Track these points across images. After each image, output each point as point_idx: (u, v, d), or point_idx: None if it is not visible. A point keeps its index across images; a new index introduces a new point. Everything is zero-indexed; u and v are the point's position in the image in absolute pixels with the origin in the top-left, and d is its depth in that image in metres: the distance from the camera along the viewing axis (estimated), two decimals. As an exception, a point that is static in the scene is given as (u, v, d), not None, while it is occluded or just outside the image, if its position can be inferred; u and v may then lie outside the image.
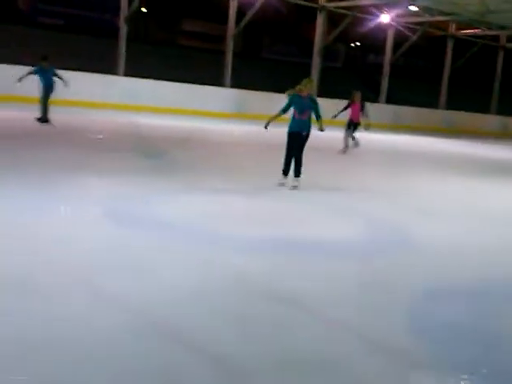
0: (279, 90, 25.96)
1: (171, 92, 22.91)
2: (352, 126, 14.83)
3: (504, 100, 34.19)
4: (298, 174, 8.98)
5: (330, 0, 27.22)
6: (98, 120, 16.98)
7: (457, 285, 5.06)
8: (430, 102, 31.69)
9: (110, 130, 14.89)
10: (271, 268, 5.01)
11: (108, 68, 22.78)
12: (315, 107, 8.99)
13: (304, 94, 8.93)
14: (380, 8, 28.04)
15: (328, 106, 27.09)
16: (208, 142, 15.11)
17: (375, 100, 29.85)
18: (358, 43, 46.61)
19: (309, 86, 9.07)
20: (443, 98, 31.98)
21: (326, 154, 14.19)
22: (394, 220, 7.51)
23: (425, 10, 27.71)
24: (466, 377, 3.41)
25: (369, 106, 15.33)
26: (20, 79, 13.58)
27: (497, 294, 4.97)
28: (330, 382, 3.18)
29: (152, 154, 11.62)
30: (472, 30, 31.36)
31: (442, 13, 27.94)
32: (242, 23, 25.57)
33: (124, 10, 23.07)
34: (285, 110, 9.01)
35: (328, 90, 28.77)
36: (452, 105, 31.61)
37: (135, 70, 23.10)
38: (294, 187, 8.85)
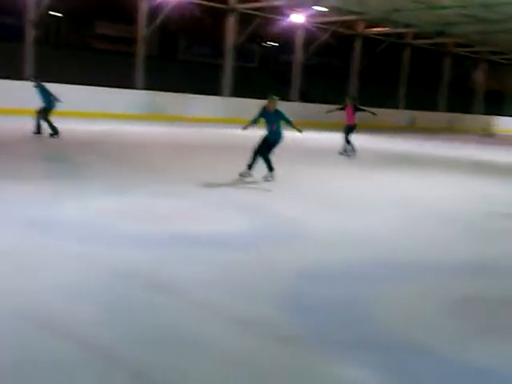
0: (195, 90, 26.32)
1: (84, 96, 22.65)
2: (348, 129, 15.60)
3: (411, 95, 35.61)
4: (269, 169, 10.44)
5: (241, 1, 27.65)
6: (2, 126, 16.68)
7: (336, 269, 5.41)
8: (342, 99, 32.59)
9: (17, 136, 14.68)
10: (158, 260, 5.21)
11: (16, 73, 22.30)
12: (281, 117, 10.38)
13: (270, 109, 10.39)
14: (292, 8, 28.69)
15: (242, 105, 27.71)
16: (120, 144, 15.11)
17: (288, 99, 30.48)
18: (272, 43, 47.30)
19: (270, 103, 10.39)
20: (353, 95, 32.94)
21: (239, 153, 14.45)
22: (290, 213, 7.84)
23: (334, 9, 28.55)
24: (334, 349, 3.72)
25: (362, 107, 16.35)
26: None
27: (374, 276, 5.34)
28: (202, 361, 3.40)
29: (62, 157, 11.59)
30: (379, 29, 32.53)
31: (350, 12, 28.87)
32: (153, 25, 25.61)
33: (30, 14, 22.67)
34: (254, 121, 10.54)
35: (244, 89, 29.20)
36: (362, 101, 32.61)
37: (47, 74, 22.69)
38: (268, 179, 10.32)
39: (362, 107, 15.97)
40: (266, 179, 10.32)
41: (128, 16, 29.41)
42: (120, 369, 3.25)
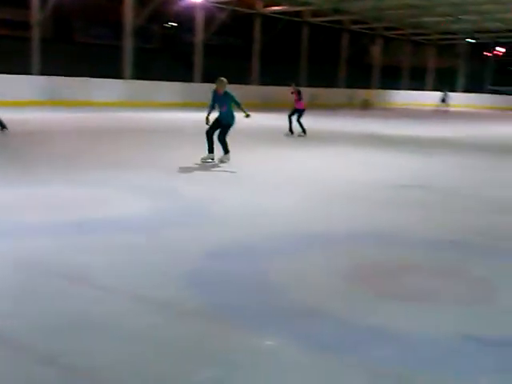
0: (95, 74, 25.72)
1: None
2: (295, 112, 16.53)
3: (312, 72, 36.32)
4: (225, 152, 10.73)
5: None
6: None
7: (241, 245, 5.60)
8: (245, 79, 32.87)
9: None
10: (65, 248, 5.21)
11: None
12: (231, 98, 10.60)
13: (220, 91, 10.62)
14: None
15: (145, 87, 27.38)
16: (18, 132, 14.62)
17: (191, 79, 30.40)
18: (173, 23, 46.79)
19: (219, 85, 10.62)
20: (255, 74, 33.31)
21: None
22: (201, 195, 7.96)
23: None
24: (242, 321, 3.89)
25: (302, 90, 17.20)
26: None
27: (277, 249, 5.57)
28: (112, 342, 3.48)
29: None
30: (277, 7, 32.90)
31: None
32: (47, 8, 24.77)
33: None
34: (211, 106, 10.75)
35: (146, 71, 28.83)
36: (264, 79, 33.03)
37: None
38: (223, 161, 10.62)
39: (301, 95, 16.72)
40: (221, 161, 10.62)
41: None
42: (31, 355, 3.29)
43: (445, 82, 43.33)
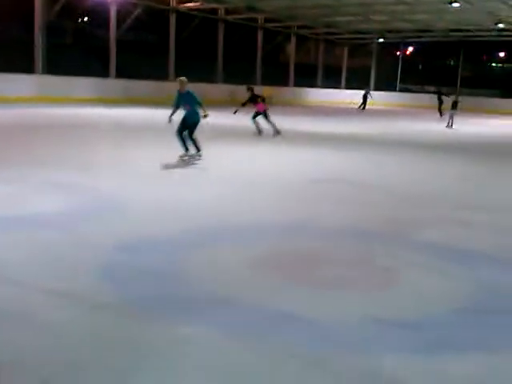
0: (5, 68, 24.86)
1: None
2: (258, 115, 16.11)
3: (229, 69, 36.54)
4: (198, 150, 10.86)
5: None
6: None
7: (153, 239, 5.67)
8: (160, 75, 32.68)
9: None
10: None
11: None
12: (193, 98, 10.70)
13: (182, 90, 10.75)
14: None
15: (57, 83, 26.71)
16: None
17: (106, 75, 29.94)
18: (86, 19, 45.79)
19: (180, 85, 10.75)
20: (171, 70, 33.16)
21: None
22: (113, 191, 7.94)
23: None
24: (154, 312, 3.97)
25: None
26: None
27: (190, 241, 5.67)
28: (25, 334, 3.50)
29: None
30: (192, 4, 32.88)
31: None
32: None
33: None
34: (176, 106, 10.84)
35: (59, 66, 28.11)
36: (180, 76, 32.92)
37: None
38: (196, 158, 10.76)
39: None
40: (194, 158, 10.73)
41: None
42: None
43: (357, 81, 44.61)
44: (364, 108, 36.13)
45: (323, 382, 3.17)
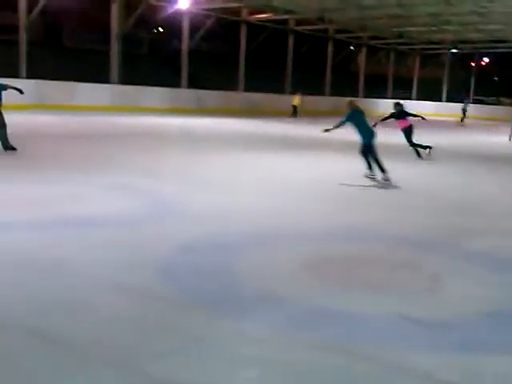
0: (81, 78, 26.05)
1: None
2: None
3: (297, 80, 36.86)
4: (382, 170, 10.09)
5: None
6: None
7: (209, 240, 6.00)
8: (231, 85, 33.35)
9: None
10: (49, 241, 5.59)
11: None
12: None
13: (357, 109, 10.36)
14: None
15: (130, 92, 27.67)
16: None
17: (178, 85, 30.79)
18: (161, 29, 47.23)
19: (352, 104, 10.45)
20: (241, 80, 33.78)
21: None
22: (171, 194, 8.35)
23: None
24: (211, 306, 4.29)
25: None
26: None
27: (244, 244, 5.98)
28: (96, 322, 3.88)
29: None
30: (262, 15, 33.42)
31: (231, -1, 29.62)
32: (35, 12, 25.11)
33: None
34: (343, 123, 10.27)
35: (134, 76, 29.18)
36: (249, 87, 33.51)
37: None
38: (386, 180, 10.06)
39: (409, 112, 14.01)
40: (384, 180, 10.07)
41: (7, 2, 28.58)
42: (16, 333, 3.66)
43: (428, 92, 43.99)
44: (462, 120, 34.17)
45: (356, 372, 3.39)
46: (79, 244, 5.56)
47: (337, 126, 10.30)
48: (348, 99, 10.82)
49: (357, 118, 10.23)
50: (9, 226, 6.05)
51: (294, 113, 29.99)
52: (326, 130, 10.48)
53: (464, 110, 34.52)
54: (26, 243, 5.48)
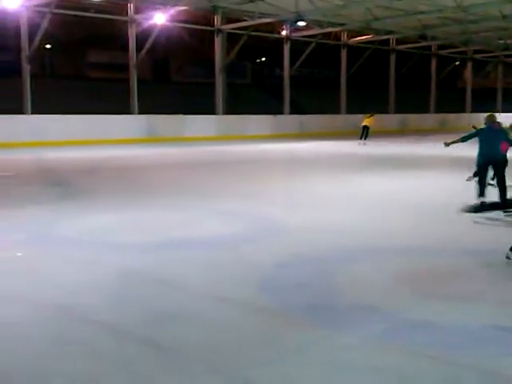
0: (190, 110, 27.24)
1: (80, 125, 23.53)
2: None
3: (399, 98, 36.52)
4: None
5: (227, 22, 28.67)
6: (6, 159, 17.61)
7: (306, 255, 6.25)
8: (333, 109, 33.57)
9: (19, 167, 15.60)
10: (159, 260, 6.06)
11: (16, 107, 23.27)
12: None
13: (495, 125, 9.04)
14: (277, 25, 29.83)
15: (234, 121, 28.55)
16: (120, 167, 15.95)
17: (281, 112, 31.40)
18: (263, 59, 48.44)
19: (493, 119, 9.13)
20: (343, 103, 33.91)
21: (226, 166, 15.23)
22: (273, 216, 8.69)
23: (314, 23, 29.62)
24: (299, 314, 4.53)
25: None
26: None
27: (338, 258, 6.18)
28: (197, 330, 4.22)
29: (60, 183, 12.49)
30: (363, 37, 33.51)
31: (331, 24, 29.92)
32: (143, 50, 26.59)
33: (25, 50, 23.62)
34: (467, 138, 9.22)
35: (239, 106, 30.12)
36: (352, 108, 33.55)
37: (44, 106, 23.65)
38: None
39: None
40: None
41: (118, 42, 30.41)
42: (131, 339, 4.08)
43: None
44: None
45: (446, 378, 3.49)
46: (187, 263, 5.99)
47: (459, 141, 9.25)
48: (488, 114, 9.47)
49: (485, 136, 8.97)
50: (125, 248, 6.59)
51: (363, 134, 25.25)
52: (447, 144, 9.43)
53: None
54: (146, 262, 6.02)
